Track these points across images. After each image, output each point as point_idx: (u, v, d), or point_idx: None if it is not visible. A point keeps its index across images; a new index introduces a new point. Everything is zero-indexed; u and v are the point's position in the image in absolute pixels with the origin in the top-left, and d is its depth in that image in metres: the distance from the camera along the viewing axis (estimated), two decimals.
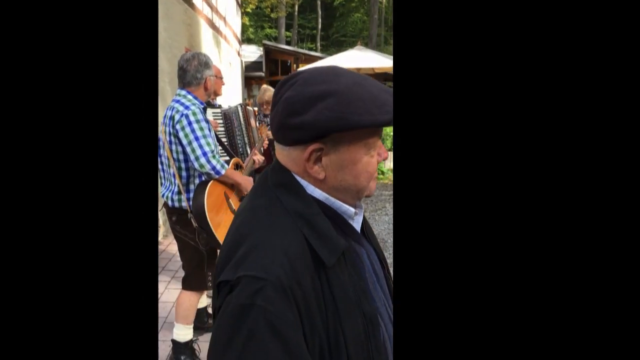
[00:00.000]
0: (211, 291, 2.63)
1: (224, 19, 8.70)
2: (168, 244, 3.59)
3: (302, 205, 0.61)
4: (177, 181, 1.91)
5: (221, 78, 2.07)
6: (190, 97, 1.90)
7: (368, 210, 4.80)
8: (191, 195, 1.91)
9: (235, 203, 2.08)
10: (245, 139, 3.03)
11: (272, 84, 11.87)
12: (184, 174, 1.92)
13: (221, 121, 2.98)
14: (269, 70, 12.15)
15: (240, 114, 3.01)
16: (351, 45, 15.51)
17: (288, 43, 19.65)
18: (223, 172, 1.85)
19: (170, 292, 2.75)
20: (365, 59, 7.34)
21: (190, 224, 1.89)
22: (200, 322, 2.33)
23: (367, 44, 16.24)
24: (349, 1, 22.56)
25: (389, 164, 6.40)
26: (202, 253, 1.96)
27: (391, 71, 8.94)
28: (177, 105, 1.86)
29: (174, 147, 1.88)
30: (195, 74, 1.89)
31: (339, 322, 0.58)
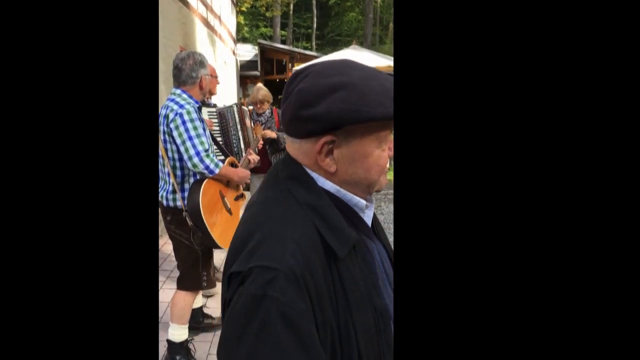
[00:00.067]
0: (206, 291, 2.63)
1: (219, 18, 8.66)
2: (163, 244, 3.57)
3: (314, 197, 0.61)
4: (172, 180, 1.91)
5: (216, 77, 2.06)
6: (185, 96, 1.89)
7: None
8: (186, 194, 1.90)
9: (230, 202, 2.08)
10: (241, 138, 3.02)
11: (267, 83, 11.85)
12: (178, 173, 1.91)
13: (216, 120, 2.97)
14: (264, 69, 12.13)
15: (236, 113, 3.00)
16: (346, 44, 15.51)
17: (283, 42, 19.62)
18: (217, 170, 1.84)
19: (165, 292, 2.74)
20: (361, 58, 7.34)
21: (185, 224, 1.88)
22: (196, 322, 2.32)
23: (362, 43, 16.26)
24: (344, 0, 22.56)
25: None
26: (197, 253, 1.96)
27: (386, 70, 8.95)
28: (171, 104, 1.85)
29: (168, 146, 1.87)
30: (190, 73, 1.88)
31: (350, 315, 0.58)
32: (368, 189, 0.65)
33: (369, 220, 0.68)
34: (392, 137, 0.63)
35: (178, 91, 1.91)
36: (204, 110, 2.78)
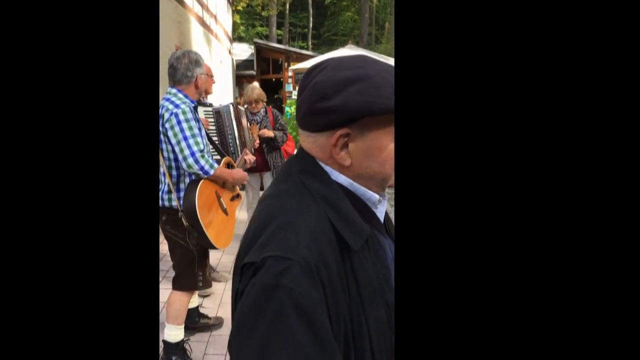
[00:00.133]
0: (203, 291, 2.62)
1: (215, 17, 8.64)
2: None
3: (327, 190, 0.61)
4: (167, 180, 1.90)
5: (212, 76, 2.05)
6: (180, 95, 1.89)
7: None
8: (181, 194, 1.89)
9: (226, 202, 2.07)
10: (237, 138, 3.02)
11: (263, 82, 11.84)
12: (174, 172, 1.91)
13: (212, 119, 2.96)
14: (260, 68, 12.11)
15: (232, 112, 3.00)
16: (342, 44, 15.51)
17: (279, 41, 19.58)
18: (212, 172, 1.84)
19: (160, 292, 2.73)
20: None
21: (180, 224, 1.87)
22: (192, 321, 2.32)
23: (358, 43, 16.26)
24: (340, 0, 22.55)
25: None
26: (193, 253, 1.95)
27: None
28: (167, 103, 1.84)
29: (163, 145, 1.86)
30: (185, 72, 1.87)
31: (362, 309, 0.58)
32: (382, 183, 0.65)
33: (381, 216, 0.67)
34: None
35: (173, 90, 1.90)
36: (200, 109, 2.77)
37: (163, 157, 1.89)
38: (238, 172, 2.08)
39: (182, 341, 2.05)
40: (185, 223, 1.84)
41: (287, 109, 7.17)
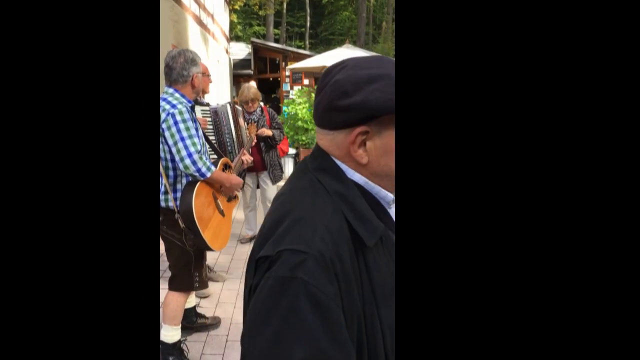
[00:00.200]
0: (200, 292, 2.62)
1: (212, 16, 8.61)
2: None
3: (343, 187, 0.61)
4: (164, 181, 1.89)
5: (209, 75, 2.04)
6: (177, 95, 1.88)
7: None
8: (178, 195, 1.88)
9: (223, 204, 2.06)
10: (234, 137, 3.01)
11: (260, 81, 11.82)
12: (170, 173, 1.90)
13: (210, 119, 2.95)
14: (257, 68, 12.08)
15: (229, 112, 2.99)
16: (339, 43, 15.49)
17: (276, 41, 19.55)
18: (209, 174, 1.83)
19: None
20: (354, 57, 7.34)
21: (177, 225, 1.86)
22: (189, 321, 2.31)
23: (355, 43, 16.26)
24: None
25: None
26: (190, 253, 1.94)
27: None
28: (163, 103, 1.83)
29: (160, 146, 1.85)
30: (181, 71, 1.86)
31: (376, 307, 0.58)
32: None
33: (394, 216, 0.68)
34: None
35: (170, 90, 1.89)
36: (198, 108, 2.76)
37: (159, 157, 1.88)
38: (235, 178, 2.06)
39: (179, 341, 2.04)
40: (181, 225, 1.84)
41: (284, 108, 7.16)
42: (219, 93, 8.66)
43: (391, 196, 0.65)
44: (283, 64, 10.53)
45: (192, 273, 1.97)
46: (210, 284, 2.79)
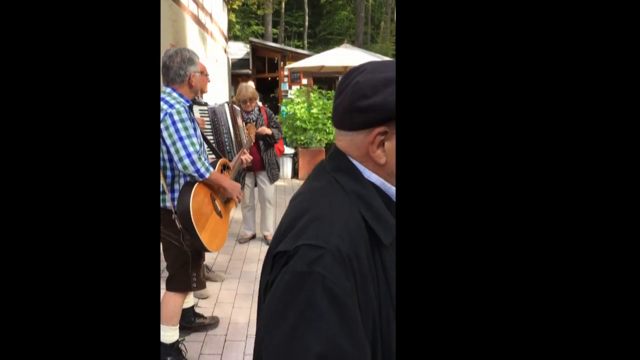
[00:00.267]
0: (199, 292, 2.61)
1: (210, 16, 8.60)
2: None
3: (360, 187, 0.63)
4: (161, 181, 1.88)
5: (207, 75, 2.03)
6: (175, 94, 1.87)
7: None
8: (176, 195, 1.88)
9: (221, 205, 2.05)
10: (233, 137, 3.01)
11: (259, 81, 11.78)
12: (168, 173, 1.89)
13: (208, 119, 2.94)
14: (255, 67, 12.07)
15: (228, 112, 2.98)
16: (338, 43, 15.48)
17: (275, 40, 19.53)
18: (207, 175, 1.82)
19: None
20: (352, 56, 7.34)
21: (174, 225, 1.86)
22: (187, 321, 2.31)
23: (354, 42, 16.25)
24: None
25: None
26: (187, 254, 1.94)
27: None
28: (161, 103, 1.83)
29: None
30: (178, 70, 1.85)
31: (392, 307, 0.59)
32: None
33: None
34: None
35: (168, 90, 1.88)
36: (196, 108, 2.75)
37: None
38: (233, 184, 2.04)
39: (177, 342, 2.04)
40: (178, 225, 1.83)
41: (282, 107, 7.16)
42: (217, 93, 8.65)
43: None
44: (281, 63, 10.52)
45: (189, 273, 1.97)
46: (208, 283, 2.78)
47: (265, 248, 3.61)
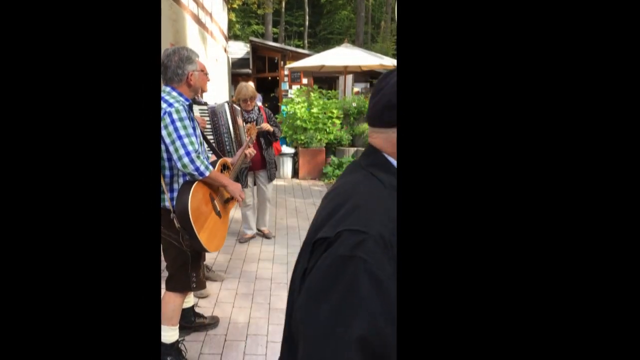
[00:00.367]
0: (199, 292, 2.61)
1: (210, 15, 8.59)
2: None
3: (395, 180, 0.63)
4: (160, 180, 1.88)
5: (206, 74, 2.02)
6: (174, 93, 1.86)
7: None
8: (174, 194, 1.87)
9: (220, 205, 2.05)
10: (233, 137, 3.00)
11: (259, 80, 11.78)
12: (167, 172, 1.88)
13: (208, 118, 2.94)
14: (256, 67, 12.06)
15: (228, 111, 2.98)
16: (338, 42, 15.48)
17: (275, 40, 19.53)
18: (207, 173, 1.81)
19: None
20: (353, 56, 7.34)
21: (173, 224, 1.85)
22: (187, 321, 2.30)
23: (354, 42, 16.25)
24: None
25: None
26: (187, 254, 1.93)
27: (377, 69, 8.96)
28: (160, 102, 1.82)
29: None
30: (176, 69, 1.84)
31: None
32: None
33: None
34: None
35: (167, 89, 1.87)
36: (196, 108, 2.75)
37: None
38: (234, 183, 2.04)
39: (177, 341, 2.04)
40: (177, 225, 1.82)
41: (283, 107, 7.16)
42: (217, 92, 8.65)
43: None
44: (282, 63, 10.51)
45: (189, 273, 1.96)
46: (208, 283, 2.78)
47: (265, 247, 3.61)
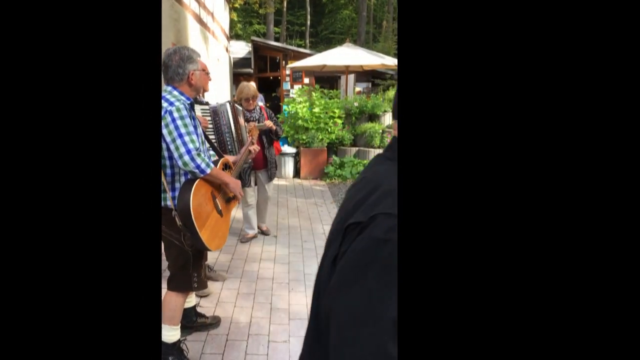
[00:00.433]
0: (200, 291, 2.61)
1: (212, 15, 8.60)
2: None
3: None
4: (162, 179, 1.88)
5: (208, 73, 2.02)
6: (176, 93, 1.86)
7: None
8: (176, 193, 1.87)
9: (222, 204, 2.05)
10: (234, 136, 3.00)
11: (260, 80, 11.79)
12: (168, 171, 1.88)
13: (210, 118, 2.94)
14: (257, 66, 12.06)
15: (229, 111, 2.98)
16: (340, 42, 15.48)
17: (277, 39, 19.54)
18: (208, 170, 1.81)
19: None
20: (354, 56, 7.34)
21: (175, 224, 1.85)
22: (189, 321, 2.30)
23: (356, 41, 16.25)
24: None
25: None
26: (188, 253, 1.93)
27: (379, 69, 8.95)
28: (162, 101, 1.82)
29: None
30: (177, 69, 1.84)
31: None
32: None
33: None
34: None
35: (169, 88, 1.87)
36: (197, 107, 2.75)
37: None
38: (235, 181, 2.04)
39: (179, 341, 2.04)
40: (178, 222, 1.82)
41: (284, 107, 7.15)
42: (219, 92, 8.66)
43: None
44: (283, 62, 10.51)
45: (190, 273, 1.96)
46: (210, 283, 2.78)
47: (266, 247, 3.61)
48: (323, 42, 22.52)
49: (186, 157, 1.75)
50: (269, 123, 3.31)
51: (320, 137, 6.29)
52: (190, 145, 1.75)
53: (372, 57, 7.41)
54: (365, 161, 6.38)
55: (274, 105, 10.88)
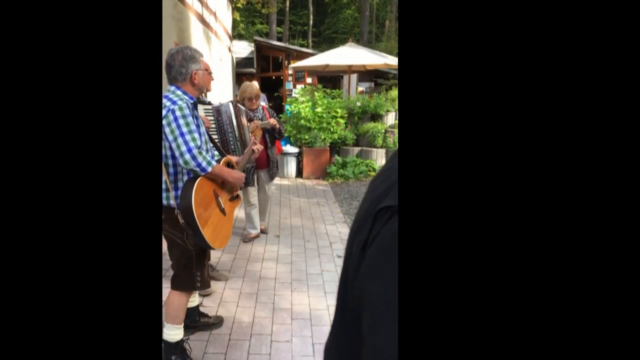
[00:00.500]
0: (203, 290, 2.62)
1: (215, 14, 8.61)
2: None
3: None
4: (165, 178, 1.88)
5: (210, 72, 2.03)
6: (179, 92, 1.87)
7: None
8: (179, 192, 1.87)
9: (225, 202, 2.05)
10: (237, 136, 3.01)
11: (263, 80, 11.81)
12: (171, 170, 1.89)
13: (212, 117, 2.94)
14: (260, 66, 12.07)
15: (232, 111, 2.98)
16: (342, 41, 15.48)
17: (279, 39, 19.54)
18: (209, 169, 1.81)
19: None
20: (357, 55, 7.33)
21: (178, 223, 1.85)
22: (192, 320, 2.31)
23: (359, 41, 16.25)
24: None
25: (380, 162, 6.42)
26: (191, 253, 1.93)
27: (382, 68, 8.95)
28: (165, 100, 1.83)
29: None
30: (179, 69, 1.85)
31: None
32: None
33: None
34: None
35: (172, 88, 1.88)
36: (200, 107, 2.75)
37: None
38: (237, 172, 2.06)
39: (182, 340, 2.04)
40: (181, 220, 1.82)
41: (287, 107, 7.16)
42: (221, 91, 8.67)
43: None
44: (286, 62, 10.52)
45: (193, 272, 1.97)
46: (213, 283, 2.79)
47: (269, 247, 3.61)
48: (325, 41, 22.51)
49: (187, 156, 1.76)
50: (272, 121, 3.32)
51: (322, 136, 6.29)
52: (192, 144, 1.76)
53: (375, 57, 7.40)
54: (367, 161, 6.37)
55: (276, 105, 10.88)
